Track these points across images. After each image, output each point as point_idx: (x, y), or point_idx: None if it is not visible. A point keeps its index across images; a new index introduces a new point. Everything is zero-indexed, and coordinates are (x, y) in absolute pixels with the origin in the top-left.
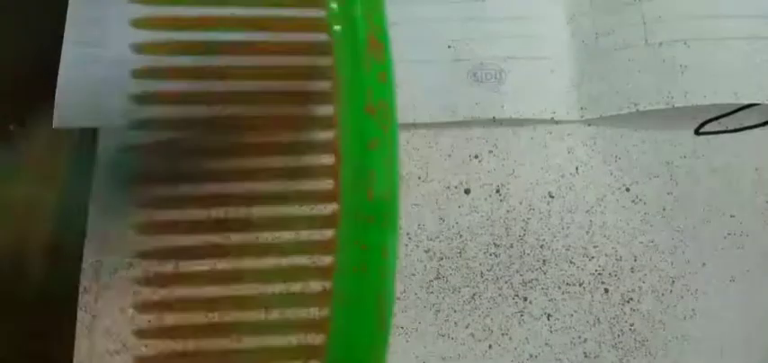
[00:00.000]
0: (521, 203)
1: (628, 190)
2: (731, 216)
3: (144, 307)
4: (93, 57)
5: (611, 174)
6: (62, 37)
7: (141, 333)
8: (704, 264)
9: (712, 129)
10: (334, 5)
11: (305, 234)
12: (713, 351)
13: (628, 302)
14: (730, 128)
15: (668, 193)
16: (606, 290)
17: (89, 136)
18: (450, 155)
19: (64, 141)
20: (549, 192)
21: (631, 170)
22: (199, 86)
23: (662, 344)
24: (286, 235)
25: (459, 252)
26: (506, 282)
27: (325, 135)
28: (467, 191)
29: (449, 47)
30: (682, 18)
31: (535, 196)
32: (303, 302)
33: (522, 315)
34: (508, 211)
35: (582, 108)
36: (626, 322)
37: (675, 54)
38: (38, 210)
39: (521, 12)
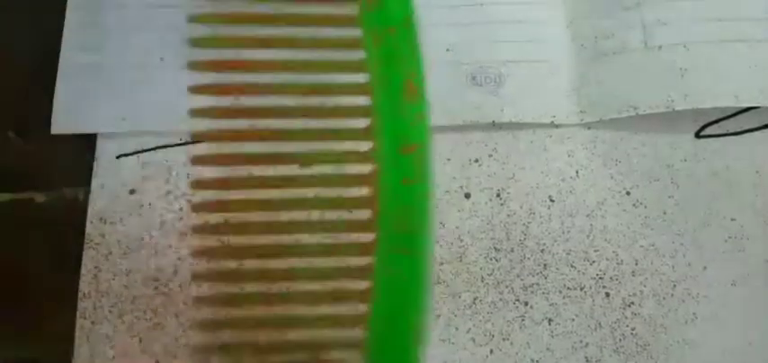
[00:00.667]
0: (521, 207)
1: (628, 193)
2: (732, 220)
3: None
4: (92, 64)
5: (612, 178)
6: (60, 43)
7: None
8: (705, 268)
9: (713, 132)
10: (373, 48)
11: (344, 261)
12: (715, 355)
13: (629, 306)
14: (731, 131)
15: (669, 197)
16: (607, 294)
17: (87, 142)
18: (449, 160)
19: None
20: (550, 196)
21: (632, 173)
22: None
23: (663, 348)
24: (328, 262)
25: (460, 257)
26: (507, 287)
27: (364, 168)
28: (467, 196)
29: (447, 50)
30: (681, 21)
31: (535, 200)
32: (341, 322)
33: (523, 320)
34: (508, 215)
35: (582, 111)
36: (627, 326)
37: (675, 57)
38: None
39: (520, 15)
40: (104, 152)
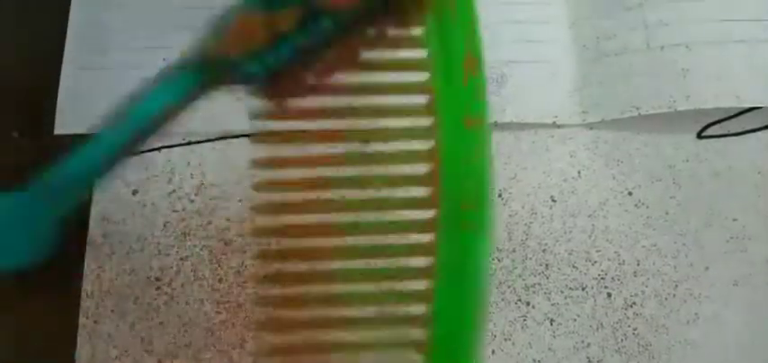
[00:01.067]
0: (523, 207)
1: (630, 193)
2: (734, 220)
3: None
4: (95, 64)
5: (614, 178)
6: (64, 44)
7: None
8: (707, 268)
9: (715, 133)
10: (432, 22)
11: (405, 238)
12: (716, 356)
13: (631, 306)
14: (732, 131)
15: (671, 197)
16: (609, 295)
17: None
18: None
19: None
20: (552, 196)
21: (634, 174)
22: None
23: (665, 348)
24: (388, 239)
25: None
26: (509, 287)
27: (424, 144)
28: None
29: None
30: (683, 22)
31: (537, 200)
32: (405, 300)
33: (524, 320)
34: (510, 215)
35: (584, 112)
36: (629, 326)
37: (677, 58)
38: None
39: (522, 16)
40: None
